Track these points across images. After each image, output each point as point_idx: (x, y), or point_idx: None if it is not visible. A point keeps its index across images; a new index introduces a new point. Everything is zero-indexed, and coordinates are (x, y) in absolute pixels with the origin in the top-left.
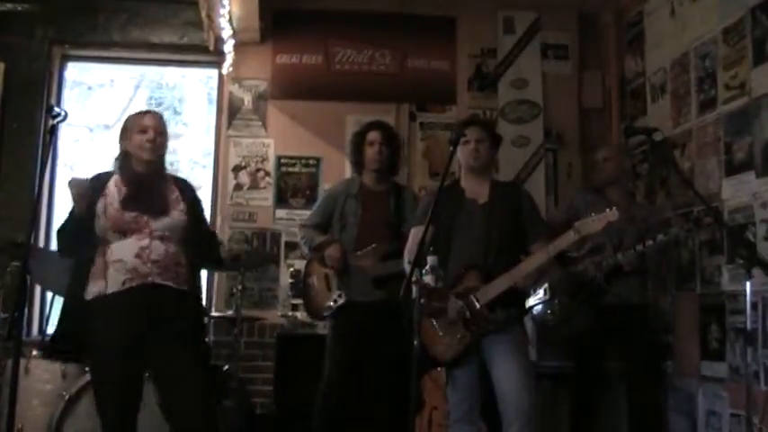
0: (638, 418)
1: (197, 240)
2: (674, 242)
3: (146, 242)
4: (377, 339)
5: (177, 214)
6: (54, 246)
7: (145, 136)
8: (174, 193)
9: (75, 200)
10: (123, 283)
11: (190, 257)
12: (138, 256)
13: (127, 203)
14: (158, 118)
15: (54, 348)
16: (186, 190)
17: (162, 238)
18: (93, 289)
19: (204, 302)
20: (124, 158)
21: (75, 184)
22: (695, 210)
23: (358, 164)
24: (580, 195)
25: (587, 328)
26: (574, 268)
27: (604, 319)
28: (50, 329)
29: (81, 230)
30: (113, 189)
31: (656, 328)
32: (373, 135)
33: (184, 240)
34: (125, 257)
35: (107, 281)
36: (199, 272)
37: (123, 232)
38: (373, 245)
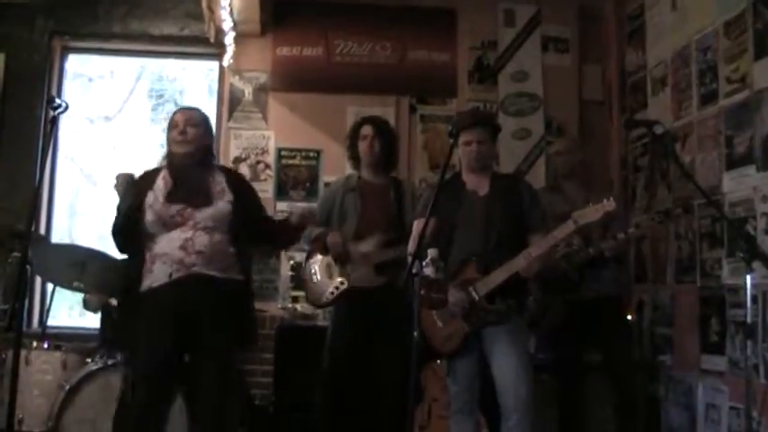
0: (625, 407)
1: (256, 222)
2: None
3: (189, 234)
4: (379, 326)
5: (222, 204)
6: (55, 237)
7: (176, 130)
8: (220, 185)
9: (119, 195)
10: (170, 276)
11: (240, 246)
12: (182, 247)
13: (171, 197)
14: (190, 111)
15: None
16: (233, 180)
17: (206, 229)
18: (145, 283)
19: None
20: (168, 155)
21: (119, 180)
22: (695, 203)
23: (354, 159)
24: None
25: (562, 322)
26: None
27: (579, 313)
28: (51, 321)
29: (129, 225)
30: (161, 183)
31: (656, 319)
32: (365, 129)
33: (233, 229)
34: (170, 250)
35: (154, 274)
36: (250, 260)
37: (168, 226)
38: (374, 233)
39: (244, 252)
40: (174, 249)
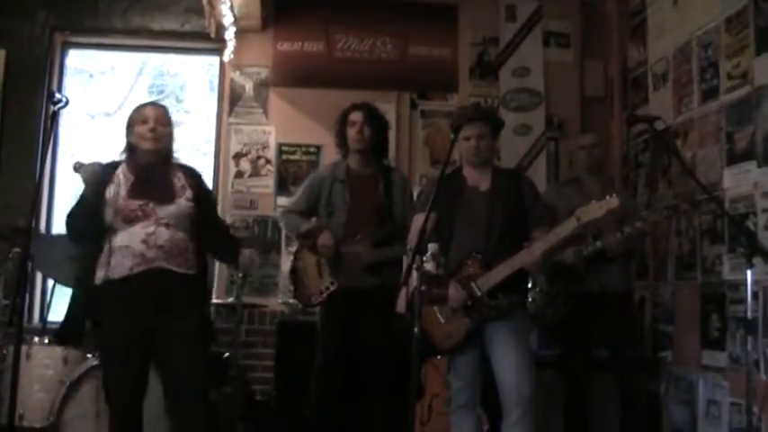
0: (629, 404)
1: (207, 228)
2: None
3: (152, 228)
4: (369, 326)
5: (183, 202)
6: (56, 231)
7: (146, 126)
8: (181, 181)
9: (85, 184)
10: (131, 269)
11: (198, 244)
12: (144, 241)
13: (133, 192)
14: (160, 108)
15: (62, 336)
16: (194, 178)
17: (168, 225)
18: (99, 274)
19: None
20: (129, 150)
21: (84, 169)
22: (696, 199)
23: (343, 146)
24: (553, 190)
25: (567, 316)
26: (559, 259)
27: (587, 307)
28: (51, 316)
29: (90, 215)
30: (121, 178)
31: (657, 316)
32: (355, 115)
33: (192, 227)
34: (131, 244)
35: (112, 266)
36: (206, 258)
37: (129, 221)
38: (365, 231)
39: (202, 250)
40: (136, 243)
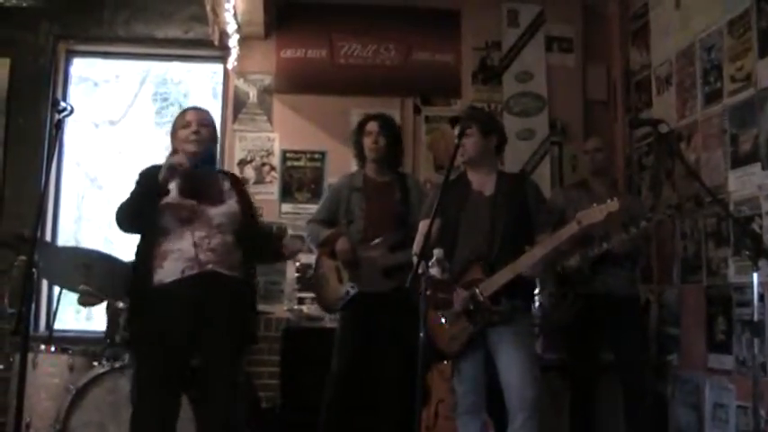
0: (635, 408)
1: (250, 233)
2: (660, 227)
3: (204, 231)
4: (388, 330)
5: (233, 204)
6: (59, 243)
7: (188, 129)
8: (226, 185)
9: (173, 168)
10: (182, 272)
11: (243, 248)
12: (196, 244)
13: (184, 193)
14: (201, 112)
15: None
16: (236, 183)
17: (219, 227)
18: (156, 278)
19: None
20: (174, 154)
21: (178, 157)
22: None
23: (360, 156)
24: (561, 193)
25: (574, 319)
26: (566, 262)
27: (594, 312)
28: (57, 325)
29: (153, 202)
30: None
31: (663, 319)
32: (371, 126)
33: (238, 231)
34: (183, 247)
35: (165, 269)
36: (252, 261)
37: (183, 222)
38: (382, 237)
39: (246, 254)
40: (188, 246)
